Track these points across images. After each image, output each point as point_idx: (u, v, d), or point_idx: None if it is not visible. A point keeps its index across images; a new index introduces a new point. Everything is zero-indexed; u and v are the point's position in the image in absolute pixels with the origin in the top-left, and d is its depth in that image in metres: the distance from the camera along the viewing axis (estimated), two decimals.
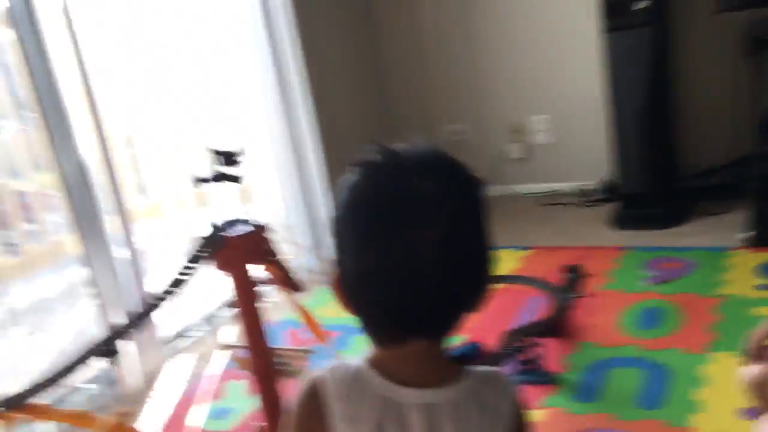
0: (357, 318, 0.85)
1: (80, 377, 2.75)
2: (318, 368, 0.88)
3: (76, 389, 2.66)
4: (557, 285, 2.69)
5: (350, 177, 0.82)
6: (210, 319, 3.07)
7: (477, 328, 2.50)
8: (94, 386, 2.62)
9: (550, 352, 2.26)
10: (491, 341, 2.24)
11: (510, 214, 3.81)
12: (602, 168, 3.70)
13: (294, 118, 3.39)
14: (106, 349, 1.24)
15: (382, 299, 0.80)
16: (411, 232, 0.78)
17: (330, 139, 3.46)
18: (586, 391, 2.05)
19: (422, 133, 3.97)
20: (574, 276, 2.75)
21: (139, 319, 1.26)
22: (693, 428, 1.81)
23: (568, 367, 2.18)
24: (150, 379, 2.63)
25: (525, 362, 2.16)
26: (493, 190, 4.20)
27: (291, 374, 1.58)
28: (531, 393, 2.08)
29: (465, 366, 0.88)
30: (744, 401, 1.03)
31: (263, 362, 1.50)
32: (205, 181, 1.45)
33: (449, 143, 4.12)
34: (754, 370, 0.99)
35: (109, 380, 2.63)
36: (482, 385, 0.86)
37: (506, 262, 3.10)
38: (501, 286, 2.84)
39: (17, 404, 1.22)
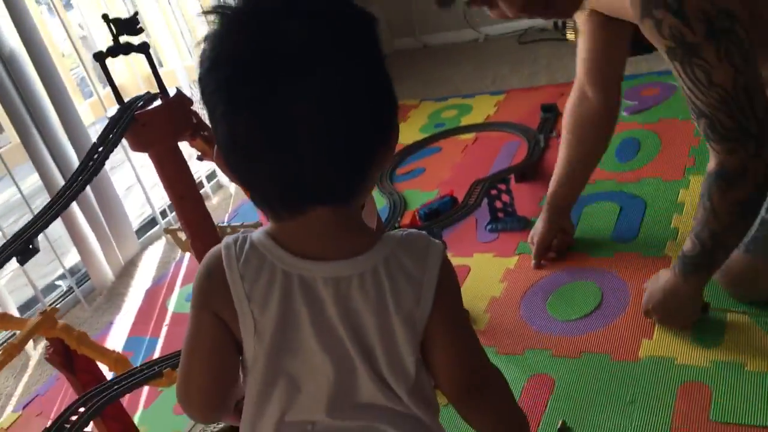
0: (247, 191, 0.75)
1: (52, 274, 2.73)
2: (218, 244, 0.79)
3: (48, 287, 2.64)
4: (532, 128, 2.58)
5: (210, 29, 0.69)
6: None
7: (451, 180, 2.42)
8: (62, 283, 2.59)
9: (524, 197, 2.18)
10: (465, 192, 2.15)
11: (484, 59, 3.63)
12: None
13: None
14: (23, 247, 1.15)
15: (265, 168, 0.69)
16: (283, 90, 0.65)
17: None
18: None
19: None
20: (550, 115, 2.63)
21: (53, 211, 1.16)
22: (668, 256, 1.75)
23: (540, 211, 2.10)
24: (123, 271, 2.60)
25: (498, 210, 2.08)
26: (465, 35, 3.99)
27: None
28: (506, 240, 2.02)
29: (385, 233, 0.79)
30: None
31: (202, 243, 1.42)
32: (107, 54, 1.30)
33: None
34: None
35: (80, 275, 2.59)
36: (400, 251, 0.77)
37: (480, 109, 2.97)
38: (475, 135, 2.73)
39: None
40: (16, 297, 2.56)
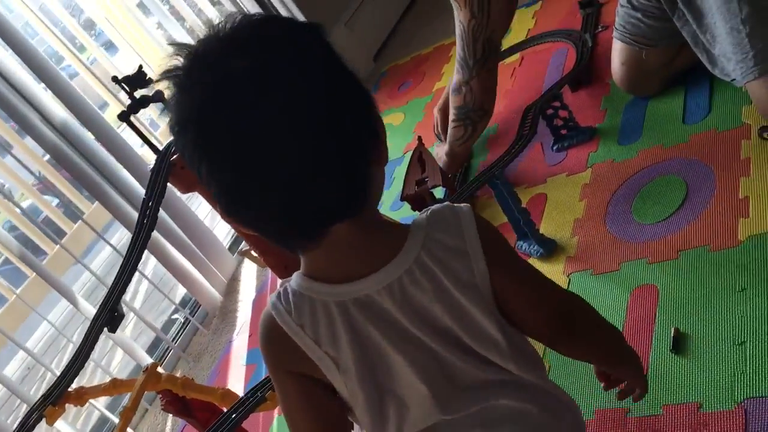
0: (264, 238, 0.75)
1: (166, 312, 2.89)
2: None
3: (168, 322, 2.79)
4: (576, 29, 2.45)
5: (169, 95, 0.69)
6: None
7: (507, 110, 2.35)
8: (178, 315, 2.72)
9: (584, 104, 2.09)
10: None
11: None
12: None
13: None
14: (109, 316, 1.22)
15: (269, 212, 0.69)
16: (251, 134, 0.65)
17: None
18: (630, 132, 1.89)
19: None
20: (591, 10, 2.48)
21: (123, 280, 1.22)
22: (746, 124, 1.64)
23: (605, 115, 2.01)
24: (228, 288, 2.70)
25: (559, 128, 2.01)
26: None
27: None
28: (576, 156, 1.95)
29: (412, 222, 0.78)
30: None
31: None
32: (129, 113, 1.34)
33: None
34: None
35: (192, 304, 2.72)
36: (433, 232, 0.76)
37: (519, 25, 2.85)
38: (520, 55, 2.63)
39: (59, 396, 1.25)
40: (143, 339, 2.74)
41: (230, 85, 0.65)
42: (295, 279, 0.77)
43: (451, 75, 2.01)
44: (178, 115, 0.68)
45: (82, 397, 1.27)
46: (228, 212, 0.71)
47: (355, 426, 0.83)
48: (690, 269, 1.43)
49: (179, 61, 0.68)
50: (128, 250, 1.26)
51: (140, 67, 1.33)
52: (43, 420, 1.23)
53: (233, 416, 1.17)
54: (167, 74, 0.68)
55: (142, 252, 1.26)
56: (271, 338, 0.77)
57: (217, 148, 0.66)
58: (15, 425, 2.70)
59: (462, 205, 0.78)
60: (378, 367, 0.76)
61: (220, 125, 0.65)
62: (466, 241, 0.75)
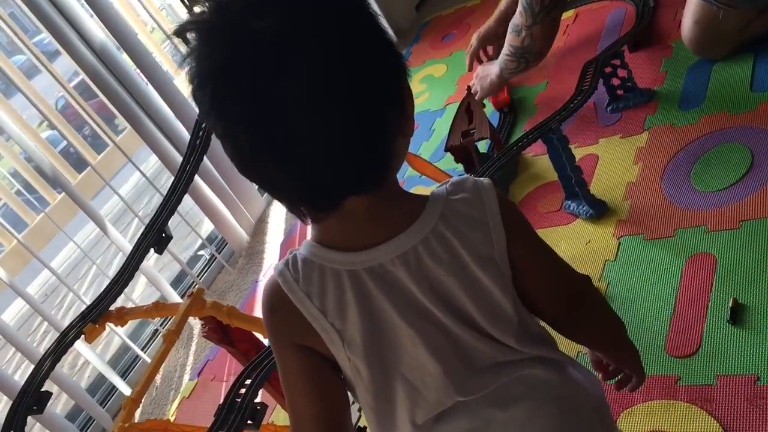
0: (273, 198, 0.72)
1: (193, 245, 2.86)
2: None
3: (192, 258, 2.76)
4: None
5: (191, 45, 0.64)
6: None
7: (558, 68, 2.28)
8: (203, 252, 2.70)
9: (643, 66, 2.01)
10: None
11: None
12: None
13: None
14: (157, 236, 1.18)
15: (282, 178, 0.65)
16: (271, 95, 0.60)
17: None
18: (692, 97, 1.82)
19: None
20: None
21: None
22: None
23: (665, 78, 1.94)
24: (256, 229, 2.67)
25: (616, 87, 1.94)
26: None
27: None
28: (631, 118, 1.88)
29: (430, 194, 0.74)
30: None
31: None
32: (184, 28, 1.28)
33: None
34: None
35: (218, 241, 2.69)
36: (453, 202, 0.72)
37: None
38: (574, 11, 2.54)
39: (100, 314, 1.22)
40: (167, 273, 2.72)
41: (252, 44, 0.60)
42: (305, 246, 0.73)
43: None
44: (198, 68, 0.63)
45: (123, 317, 1.24)
46: (241, 172, 0.68)
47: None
48: (752, 240, 1.38)
49: (205, 10, 0.62)
50: (179, 169, 1.22)
51: None
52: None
53: None
54: (191, 24, 0.63)
55: (194, 174, 1.22)
56: (275, 307, 0.73)
57: (233, 109, 0.62)
58: (35, 345, 2.71)
59: (483, 178, 0.75)
60: (387, 343, 0.71)
61: (238, 86, 0.61)
62: (486, 212, 0.72)
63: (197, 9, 0.63)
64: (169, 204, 1.18)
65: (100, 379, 2.34)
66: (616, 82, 1.93)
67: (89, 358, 2.18)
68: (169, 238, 1.19)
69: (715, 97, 1.76)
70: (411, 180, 2.18)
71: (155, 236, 1.17)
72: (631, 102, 1.91)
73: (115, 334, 2.29)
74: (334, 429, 0.77)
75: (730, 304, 1.29)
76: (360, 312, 0.70)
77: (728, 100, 1.72)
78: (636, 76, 1.93)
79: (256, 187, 2.83)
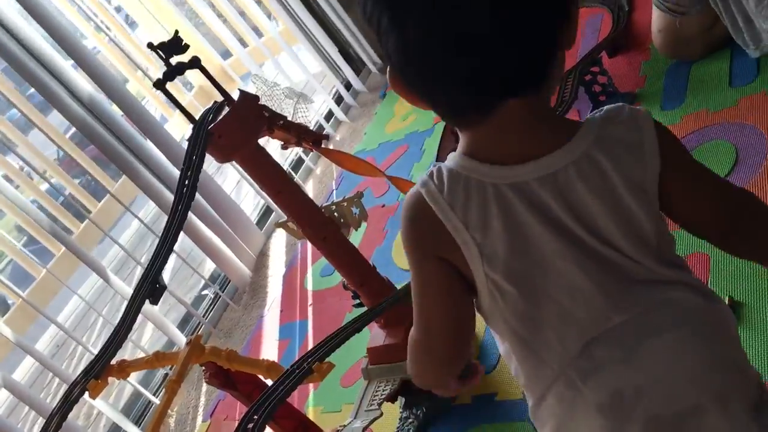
0: (430, 106, 0.72)
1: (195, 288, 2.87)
2: (415, 185, 0.75)
3: (197, 298, 2.77)
4: None
5: None
6: None
7: None
8: (208, 291, 2.71)
9: (622, 70, 2.03)
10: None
11: None
12: None
13: None
14: (151, 288, 1.20)
15: (446, 71, 0.66)
16: None
17: None
18: (673, 97, 1.83)
19: None
20: None
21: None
22: None
23: (645, 81, 1.95)
24: (257, 264, 2.68)
25: (597, 94, 1.95)
26: None
27: (352, 222, 1.50)
28: None
29: (585, 118, 0.73)
30: None
31: (312, 228, 1.42)
32: (164, 80, 1.31)
33: None
34: None
35: (221, 280, 2.70)
36: (609, 126, 0.71)
37: None
38: None
39: (102, 369, 1.23)
40: (173, 315, 2.73)
41: None
42: (451, 158, 0.73)
43: None
44: None
45: (124, 369, 1.25)
46: (403, 72, 0.68)
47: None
48: None
49: None
50: (168, 220, 1.24)
51: (176, 32, 1.29)
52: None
53: (280, 389, 1.14)
54: None
55: (183, 222, 1.23)
56: (416, 217, 0.73)
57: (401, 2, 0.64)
58: (48, 400, 2.72)
59: (639, 107, 0.75)
60: (532, 259, 0.70)
61: None
62: (642, 134, 0.71)
63: None
64: (161, 255, 1.20)
65: (116, 429, 2.34)
66: (597, 88, 1.94)
67: (102, 408, 2.19)
68: (163, 288, 1.20)
69: (695, 96, 1.77)
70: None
71: (149, 288, 1.19)
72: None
73: (127, 382, 2.30)
74: (463, 343, 0.78)
75: (726, 302, 1.29)
76: (504, 226, 0.70)
77: (708, 97, 1.74)
78: (616, 80, 1.95)
79: (254, 220, 2.85)
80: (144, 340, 2.83)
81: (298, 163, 3.05)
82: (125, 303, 1.25)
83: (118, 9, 4.52)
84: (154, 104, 4.60)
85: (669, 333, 0.70)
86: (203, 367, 1.26)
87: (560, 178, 0.69)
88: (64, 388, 2.15)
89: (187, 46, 1.29)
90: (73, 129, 2.75)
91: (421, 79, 0.68)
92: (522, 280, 0.71)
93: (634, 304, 0.71)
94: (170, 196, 2.41)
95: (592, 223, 0.70)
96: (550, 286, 0.71)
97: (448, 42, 0.64)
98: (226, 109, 1.36)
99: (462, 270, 0.72)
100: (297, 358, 1.24)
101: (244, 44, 3.55)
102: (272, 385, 1.16)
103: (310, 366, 1.15)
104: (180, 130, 3.87)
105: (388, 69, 0.70)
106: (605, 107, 0.74)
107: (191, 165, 1.29)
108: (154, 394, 2.36)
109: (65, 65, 2.30)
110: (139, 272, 2.85)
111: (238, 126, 1.31)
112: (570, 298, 0.71)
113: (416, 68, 0.67)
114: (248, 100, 1.35)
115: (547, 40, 0.67)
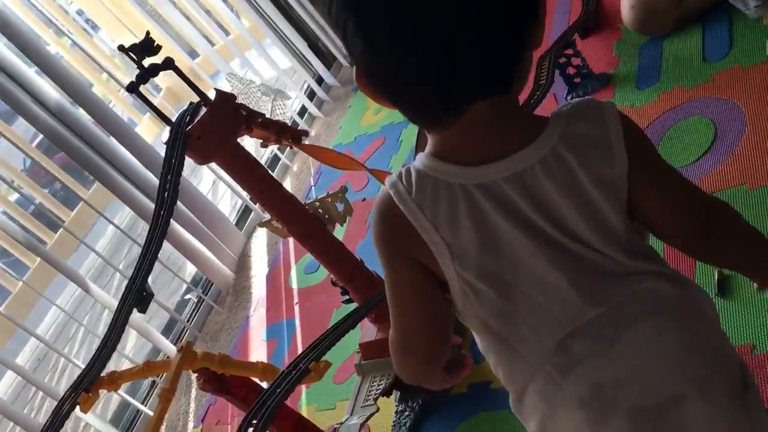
0: (397, 106, 0.71)
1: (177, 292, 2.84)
2: (383, 187, 0.75)
3: (180, 303, 2.74)
4: None
5: None
6: None
7: None
8: (191, 295, 2.67)
9: (596, 51, 2.03)
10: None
11: None
12: None
13: None
14: (138, 296, 1.17)
15: (414, 74, 0.66)
16: None
17: None
18: (647, 76, 1.83)
19: None
20: None
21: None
22: None
23: (619, 60, 1.96)
24: (239, 265, 2.65)
25: (572, 76, 1.95)
26: None
27: (337, 217, 1.48)
28: None
29: (552, 114, 0.73)
30: None
31: (296, 226, 1.41)
32: (137, 83, 1.28)
33: None
34: None
35: (204, 283, 2.67)
36: (575, 122, 0.71)
37: None
38: None
39: (92, 382, 1.20)
40: (157, 322, 2.69)
41: None
42: (419, 159, 0.72)
43: None
44: None
45: (115, 381, 1.23)
46: (370, 75, 0.67)
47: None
48: None
49: None
50: (151, 226, 1.21)
51: (147, 33, 1.26)
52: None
53: (278, 391, 1.13)
54: None
55: (167, 227, 1.21)
56: (386, 218, 0.73)
57: (369, 2, 0.63)
58: (33, 415, 2.67)
59: (605, 100, 0.74)
60: (503, 258, 0.70)
61: None
62: (609, 131, 0.70)
63: None
64: (146, 261, 1.17)
65: None
66: (571, 71, 1.94)
67: (90, 421, 2.15)
68: (151, 296, 1.18)
69: (670, 73, 1.78)
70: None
71: (136, 296, 1.16)
72: (589, 88, 1.93)
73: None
74: (441, 342, 0.78)
75: (717, 277, 1.30)
76: (474, 226, 0.70)
77: (683, 74, 1.75)
78: (590, 61, 1.95)
79: (234, 221, 2.82)
80: (128, 348, 2.79)
81: (274, 161, 3.02)
82: (106, 312, 1.22)
83: (80, 12, 4.44)
84: (121, 108, 4.53)
85: (644, 323, 0.70)
86: (195, 374, 1.24)
87: (527, 176, 0.69)
88: (49, 402, 2.10)
89: (159, 47, 1.27)
90: (40, 137, 2.70)
91: (389, 82, 0.68)
92: (495, 278, 0.71)
93: (607, 298, 0.71)
94: (145, 200, 2.37)
95: (560, 220, 0.70)
96: (523, 283, 0.71)
97: (416, 46, 0.63)
98: (203, 110, 1.33)
99: (434, 269, 0.73)
100: (290, 359, 1.23)
101: (211, 43, 3.51)
102: (269, 388, 1.14)
103: (306, 366, 1.13)
104: (150, 134, 3.81)
105: (354, 70, 0.69)
106: (573, 101, 0.74)
107: (171, 169, 1.26)
108: (142, 403, 2.32)
109: (28, 72, 2.25)
110: (119, 279, 2.80)
111: (217, 126, 1.28)
112: (543, 294, 0.71)
113: (383, 72, 0.67)
114: (225, 99, 1.33)
115: (516, 41, 0.66)
